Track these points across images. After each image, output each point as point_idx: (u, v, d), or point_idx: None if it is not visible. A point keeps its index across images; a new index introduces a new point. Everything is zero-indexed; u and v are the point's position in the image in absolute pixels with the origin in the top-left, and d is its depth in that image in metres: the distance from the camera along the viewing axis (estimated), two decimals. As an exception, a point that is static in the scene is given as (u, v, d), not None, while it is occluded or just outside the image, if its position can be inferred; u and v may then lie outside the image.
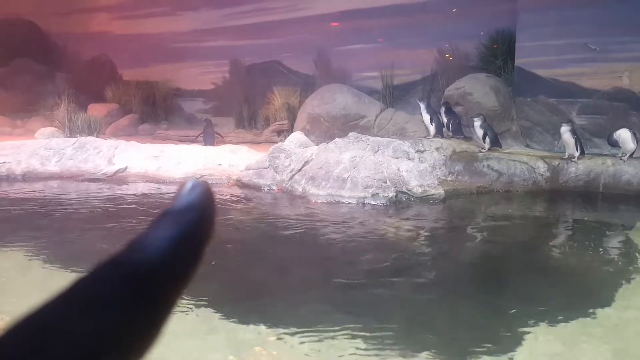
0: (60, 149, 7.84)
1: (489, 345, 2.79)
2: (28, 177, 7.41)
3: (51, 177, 7.43)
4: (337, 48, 10.44)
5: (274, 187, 6.70)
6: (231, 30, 11.65)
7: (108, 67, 13.20)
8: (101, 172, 7.41)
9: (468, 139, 7.87)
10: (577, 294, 3.58)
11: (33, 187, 6.97)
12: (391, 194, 6.03)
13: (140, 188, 6.90)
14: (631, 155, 6.85)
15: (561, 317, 3.09)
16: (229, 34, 11.66)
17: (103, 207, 5.96)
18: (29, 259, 4.06)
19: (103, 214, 5.65)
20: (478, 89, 8.34)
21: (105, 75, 12.84)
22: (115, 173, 7.39)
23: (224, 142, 9.15)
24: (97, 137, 8.77)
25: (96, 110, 11.24)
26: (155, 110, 12.03)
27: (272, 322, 2.98)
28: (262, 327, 2.93)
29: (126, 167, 7.46)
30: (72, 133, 9.54)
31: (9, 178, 7.33)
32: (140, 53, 12.38)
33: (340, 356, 2.67)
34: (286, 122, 9.94)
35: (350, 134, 7.15)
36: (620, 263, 4.24)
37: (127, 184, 7.13)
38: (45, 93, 11.93)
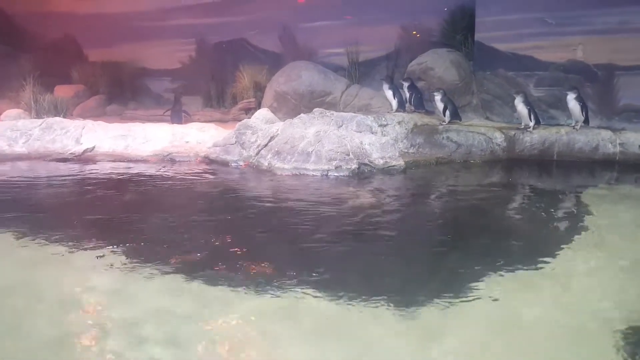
0: (27, 130, 7.84)
1: (443, 294, 3.03)
2: (-5, 158, 7.41)
3: (19, 158, 7.48)
4: (303, 25, 10.49)
5: (241, 163, 6.86)
6: (197, 8, 11.54)
7: (73, 48, 12.96)
8: (69, 152, 7.47)
9: (430, 113, 8.12)
10: (528, 250, 3.81)
11: (1, 168, 7.00)
12: (354, 166, 6.26)
13: (109, 166, 6.99)
14: (586, 121, 7.19)
15: (513, 268, 3.38)
16: (195, 11, 11.55)
17: (73, 184, 6.06)
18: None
19: (73, 190, 5.76)
20: (439, 63, 8.56)
21: (70, 56, 12.62)
22: (83, 152, 7.46)
23: (192, 121, 9.22)
24: (64, 118, 8.74)
25: (63, 91, 11.14)
26: (122, 90, 11.94)
27: (238, 284, 3.16)
28: (228, 290, 3.10)
29: (94, 147, 7.53)
30: (38, 114, 9.50)
31: (-25, 160, 7.32)
32: (105, 33, 12.18)
33: (304, 309, 2.89)
34: (253, 100, 10.02)
35: (315, 109, 7.30)
36: (570, 223, 4.54)
37: (95, 163, 7.22)
38: (10, 75, 11.70)
